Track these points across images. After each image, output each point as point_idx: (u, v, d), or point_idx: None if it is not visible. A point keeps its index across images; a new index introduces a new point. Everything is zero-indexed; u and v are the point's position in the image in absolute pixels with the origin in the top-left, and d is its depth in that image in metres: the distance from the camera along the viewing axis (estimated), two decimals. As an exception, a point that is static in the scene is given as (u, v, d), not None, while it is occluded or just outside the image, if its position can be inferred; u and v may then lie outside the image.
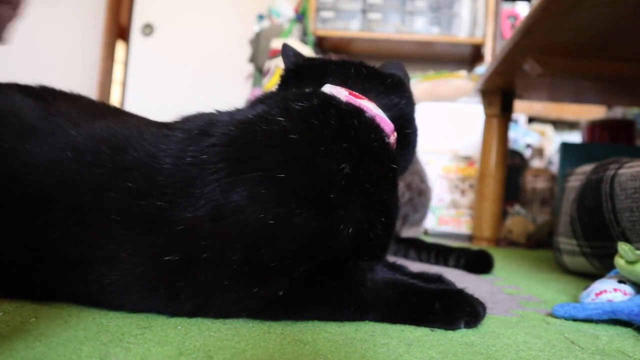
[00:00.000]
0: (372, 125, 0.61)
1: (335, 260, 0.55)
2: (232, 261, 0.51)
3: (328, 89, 0.64)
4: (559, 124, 3.00)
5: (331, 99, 0.61)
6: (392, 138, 0.66)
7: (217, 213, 0.51)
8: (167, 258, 0.51)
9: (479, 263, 1.04)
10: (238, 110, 0.63)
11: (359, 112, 0.61)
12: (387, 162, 0.61)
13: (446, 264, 1.09)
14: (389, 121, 0.65)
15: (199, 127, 0.58)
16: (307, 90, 0.64)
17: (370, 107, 0.63)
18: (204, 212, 0.51)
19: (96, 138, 0.56)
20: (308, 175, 0.54)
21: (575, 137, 2.94)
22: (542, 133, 2.81)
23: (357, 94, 0.64)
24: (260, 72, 2.39)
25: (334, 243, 0.54)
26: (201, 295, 0.52)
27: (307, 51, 2.22)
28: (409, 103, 0.71)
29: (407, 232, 1.31)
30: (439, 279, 0.68)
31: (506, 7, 2.65)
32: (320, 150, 0.55)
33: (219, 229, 0.51)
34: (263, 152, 0.54)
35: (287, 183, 0.53)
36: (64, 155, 0.54)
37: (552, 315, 0.65)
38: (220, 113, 0.62)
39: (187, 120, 0.62)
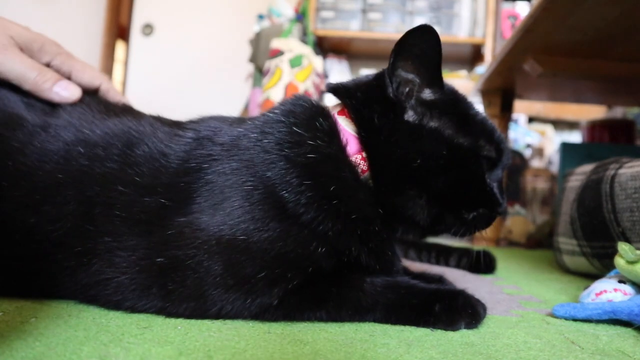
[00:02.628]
0: (314, 139, 0.57)
1: (329, 270, 0.55)
2: (215, 272, 0.52)
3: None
4: (559, 124, 3.00)
5: (287, 111, 0.60)
6: (357, 158, 0.59)
7: (200, 223, 0.53)
8: (158, 260, 0.52)
9: (481, 264, 1.04)
10: (244, 119, 0.64)
11: (310, 125, 0.58)
12: (334, 186, 0.56)
13: (447, 264, 1.09)
14: (352, 138, 0.59)
15: (208, 132, 0.59)
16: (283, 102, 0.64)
17: (336, 117, 0.60)
18: (193, 219, 0.53)
19: (109, 134, 0.58)
20: (269, 197, 0.54)
21: (575, 137, 2.94)
22: (542, 133, 2.82)
23: (340, 109, 0.62)
24: (260, 72, 2.38)
25: (312, 260, 0.54)
26: (192, 300, 0.53)
27: (307, 51, 2.22)
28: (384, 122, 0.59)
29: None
30: (439, 279, 0.68)
31: (506, 7, 2.65)
32: (271, 171, 0.55)
33: (202, 239, 0.52)
34: (237, 169, 0.55)
35: (255, 201, 0.54)
36: (75, 150, 0.56)
37: (552, 315, 0.65)
38: (231, 120, 0.63)
39: (202, 121, 0.63)
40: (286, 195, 0.54)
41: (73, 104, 0.63)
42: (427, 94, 0.59)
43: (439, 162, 0.57)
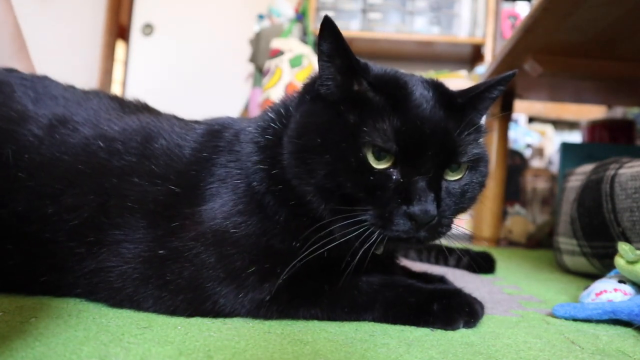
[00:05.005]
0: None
1: (318, 267, 0.55)
2: (209, 264, 0.53)
3: None
4: (559, 124, 3.00)
5: (272, 105, 0.63)
6: None
7: (201, 215, 0.55)
8: (160, 252, 0.54)
9: (481, 264, 1.04)
10: (250, 119, 0.66)
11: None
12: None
13: (446, 264, 1.09)
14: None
15: (219, 126, 0.62)
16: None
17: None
18: (195, 211, 0.55)
19: (128, 130, 0.61)
20: (248, 189, 0.56)
21: (575, 137, 2.94)
22: (542, 133, 2.82)
23: None
24: (260, 72, 2.38)
25: (297, 255, 0.53)
26: (189, 292, 0.54)
27: (307, 51, 2.22)
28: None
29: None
30: (441, 279, 0.68)
31: (506, 7, 2.65)
32: (250, 160, 0.57)
33: (200, 230, 0.54)
34: (232, 161, 0.58)
35: (240, 194, 0.56)
36: (95, 144, 0.58)
37: (552, 315, 0.65)
38: (240, 120, 0.65)
39: (217, 117, 0.67)
40: (255, 185, 0.56)
41: (85, 98, 0.65)
42: (353, 85, 0.53)
43: (315, 137, 0.51)
